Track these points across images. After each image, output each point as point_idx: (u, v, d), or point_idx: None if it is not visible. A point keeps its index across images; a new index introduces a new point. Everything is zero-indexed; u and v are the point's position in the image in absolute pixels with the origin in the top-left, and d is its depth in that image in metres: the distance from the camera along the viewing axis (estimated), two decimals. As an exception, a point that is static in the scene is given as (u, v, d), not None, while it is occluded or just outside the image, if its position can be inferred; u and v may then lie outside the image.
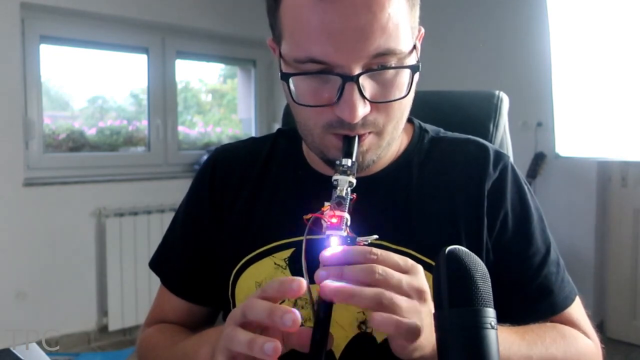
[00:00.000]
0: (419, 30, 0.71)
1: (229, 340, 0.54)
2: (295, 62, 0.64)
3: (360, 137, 0.67)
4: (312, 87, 0.65)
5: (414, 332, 0.54)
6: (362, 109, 0.63)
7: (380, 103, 0.65)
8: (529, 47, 3.02)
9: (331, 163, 0.69)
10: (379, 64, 0.63)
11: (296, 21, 0.63)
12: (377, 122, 0.67)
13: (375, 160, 0.72)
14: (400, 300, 0.54)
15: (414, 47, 0.67)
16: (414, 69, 0.65)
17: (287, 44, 0.66)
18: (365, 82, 0.63)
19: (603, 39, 2.61)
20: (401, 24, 0.63)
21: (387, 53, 0.62)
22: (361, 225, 0.63)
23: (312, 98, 0.66)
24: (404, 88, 0.66)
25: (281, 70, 0.67)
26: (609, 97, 2.64)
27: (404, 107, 0.70)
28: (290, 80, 0.66)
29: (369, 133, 0.68)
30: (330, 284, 0.54)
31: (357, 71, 0.62)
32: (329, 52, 0.61)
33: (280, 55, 0.67)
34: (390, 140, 0.71)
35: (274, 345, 0.50)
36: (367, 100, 0.64)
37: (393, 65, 0.64)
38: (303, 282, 0.53)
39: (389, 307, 0.53)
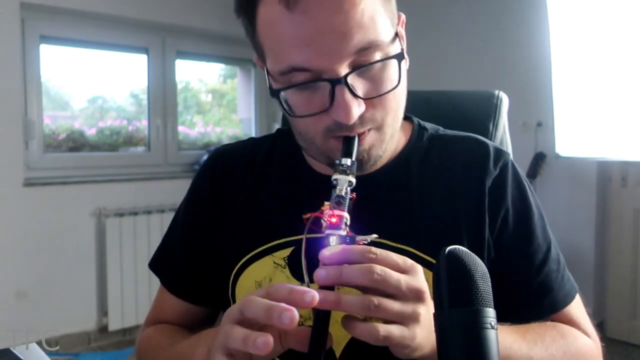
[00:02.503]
0: (399, 17, 0.71)
1: (226, 337, 0.54)
2: (281, 75, 0.64)
3: (360, 135, 0.67)
4: (303, 97, 0.65)
5: (401, 340, 0.53)
6: (357, 109, 0.63)
7: (374, 98, 0.65)
8: (529, 47, 3.03)
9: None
10: (364, 61, 0.63)
11: (272, 36, 0.64)
12: (375, 118, 0.67)
13: (382, 154, 0.72)
14: (391, 304, 0.54)
15: (396, 34, 0.67)
16: (399, 57, 0.65)
17: (269, 60, 0.66)
18: (355, 81, 0.63)
19: (603, 39, 2.61)
20: (377, 15, 0.63)
21: (369, 46, 0.62)
22: (361, 223, 0.62)
23: (306, 108, 0.66)
24: (395, 78, 0.66)
25: (271, 87, 0.67)
26: (609, 97, 2.64)
27: (399, 98, 0.70)
28: (282, 95, 0.66)
29: (369, 130, 0.68)
30: (317, 294, 0.53)
31: (343, 72, 0.62)
32: (310, 58, 0.61)
33: (268, 72, 0.68)
34: (392, 132, 0.71)
35: (265, 340, 0.50)
36: (360, 98, 0.64)
37: (378, 58, 0.64)
38: (316, 295, 0.53)
39: (378, 312, 0.53)
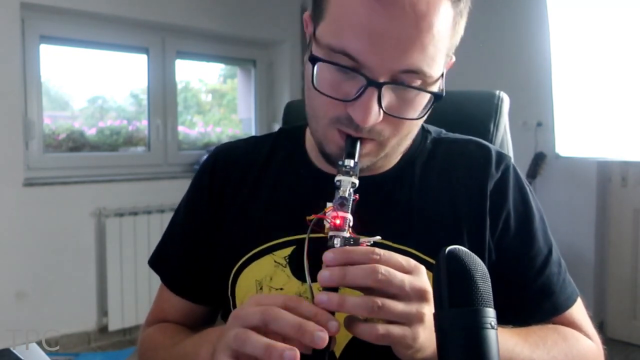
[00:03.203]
0: (451, 58, 0.71)
1: (239, 342, 0.53)
2: (328, 48, 0.63)
3: (362, 140, 0.67)
4: (335, 78, 0.65)
5: (402, 339, 0.53)
6: (375, 117, 0.63)
7: (392, 117, 0.65)
8: (529, 47, 3.02)
9: (326, 156, 0.69)
10: (405, 81, 0.63)
11: (343, 10, 0.62)
12: (382, 133, 0.67)
13: (370, 166, 0.72)
14: (394, 305, 0.54)
15: (442, 75, 0.67)
16: (437, 97, 0.65)
17: (326, 27, 0.65)
18: (386, 93, 0.63)
19: (603, 40, 2.61)
20: (440, 49, 0.63)
21: (417, 72, 0.62)
22: (364, 224, 0.63)
23: (331, 88, 0.65)
24: (420, 110, 0.66)
25: (311, 52, 0.66)
26: (609, 97, 2.64)
27: (413, 127, 0.71)
28: (316, 65, 0.65)
29: (371, 140, 0.68)
30: (321, 296, 0.53)
31: (383, 79, 0.62)
32: (364, 51, 0.61)
33: (315, 34, 0.66)
34: (390, 152, 0.72)
35: (295, 354, 0.50)
36: (382, 109, 0.63)
37: (417, 84, 0.64)
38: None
39: (381, 312, 0.53)
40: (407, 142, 0.73)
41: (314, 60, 0.65)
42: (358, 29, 0.61)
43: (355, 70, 0.62)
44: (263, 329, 0.54)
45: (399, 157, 0.79)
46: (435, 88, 0.66)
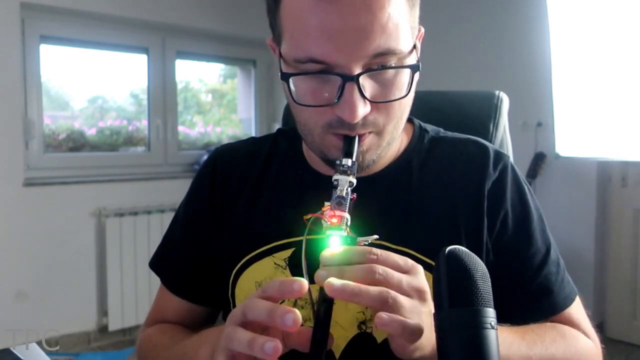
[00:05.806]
0: (419, 30, 0.71)
1: (228, 340, 0.54)
2: (295, 62, 0.64)
3: (360, 136, 0.67)
4: (312, 87, 0.65)
5: (417, 333, 0.53)
6: (362, 109, 0.63)
7: (380, 103, 0.65)
8: (529, 47, 3.03)
9: (331, 163, 0.69)
10: (379, 64, 0.63)
11: (296, 22, 0.63)
12: (377, 122, 0.67)
13: (376, 159, 0.72)
14: (403, 300, 0.54)
15: (414, 46, 0.67)
16: (414, 68, 0.65)
17: (287, 44, 0.66)
18: (366, 82, 0.63)
19: (603, 39, 2.61)
20: (401, 23, 0.63)
21: (387, 53, 0.62)
22: (361, 225, 0.63)
23: (312, 98, 0.66)
24: (404, 88, 0.66)
25: (281, 71, 0.67)
26: (609, 97, 2.64)
27: (404, 107, 0.70)
28: (291, 80, 0.66)
29: (369, 133, 0.68)
30: (335, 282, 0.53)
31: (357, 71, 0.62)
32: (329, 52, 0.61)
33: (281, 55, 0.67)
34: (390, 139, 0.71)
35: (275, 345, 0.50)
36: (367, 100, 0.64)
37: (393, 65, 0.64)
38: (304, 282, 0.53)
39: (393, 306, 0.53)
40: (402, 124, 0.73)
41: (285, 76, 0.66)
42: (316, 33, 0.61)
43: (327, 72, 0.63)
44: (247, 323, 0.54)
45: (396, 149, 0.79)
46: (411, 61, 0.66)
